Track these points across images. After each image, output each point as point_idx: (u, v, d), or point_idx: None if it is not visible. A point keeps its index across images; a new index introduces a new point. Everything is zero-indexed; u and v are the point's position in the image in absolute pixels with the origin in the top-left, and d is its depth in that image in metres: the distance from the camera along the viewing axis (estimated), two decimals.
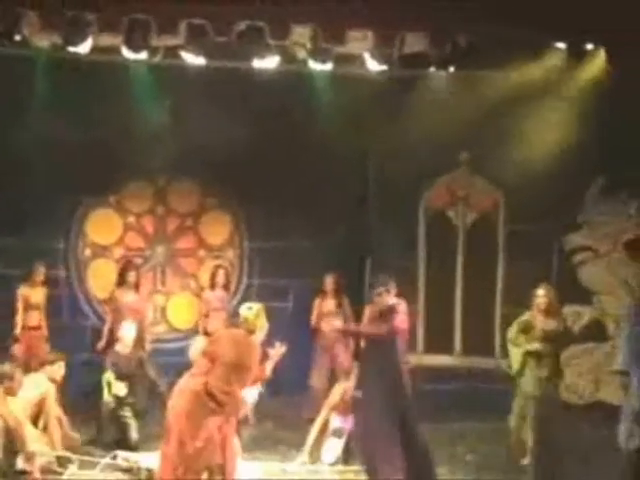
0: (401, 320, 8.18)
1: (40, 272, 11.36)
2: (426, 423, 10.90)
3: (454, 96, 11.40)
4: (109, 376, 9.89)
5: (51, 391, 8.91)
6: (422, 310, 12.75)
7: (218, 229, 13.09)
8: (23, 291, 11.25)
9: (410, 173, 12.14)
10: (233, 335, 7.35)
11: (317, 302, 11.78)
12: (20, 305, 11.20)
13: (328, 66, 10.44)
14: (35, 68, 11.03)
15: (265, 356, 7.43)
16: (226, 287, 11.79)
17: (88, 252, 12.81)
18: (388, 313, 7.84)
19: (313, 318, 11.75)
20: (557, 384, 9.50)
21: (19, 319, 11.14)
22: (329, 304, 11.79)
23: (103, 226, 12.85)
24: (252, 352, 7.13)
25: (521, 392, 9.43)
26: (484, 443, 10.36)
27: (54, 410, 8.87)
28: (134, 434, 9.65)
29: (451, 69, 10.86)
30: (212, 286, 11.71)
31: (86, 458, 8.89)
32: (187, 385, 7.08)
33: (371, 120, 11.66)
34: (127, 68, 10.94)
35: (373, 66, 10.50)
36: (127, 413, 9.79)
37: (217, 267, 11.97)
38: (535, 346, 9.20)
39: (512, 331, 9.46)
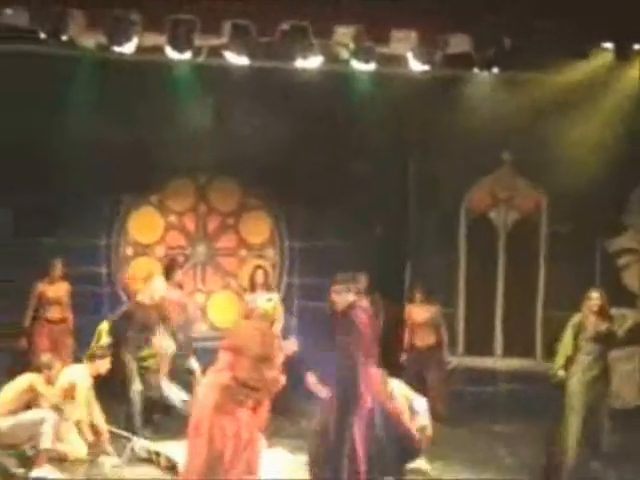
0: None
1: (58, 268, 11.48)
2: (466, 425, 11.02)
3: (497, 97, 11.33)
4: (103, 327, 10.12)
5: (85, 384, 9.10)
6: (462, 312, 12.71)
7: (259, 228, 13.13)
8: (39, 287, 11.38)
9: (452, 174, 12.13)
10: (255, 327, 7.34)
11: None
12: (33, 300, 11.37)
13: (371, 66, 10.41)
14: (80, 68, 11.10)
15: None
16: (266, 287, 11.77)
17: (130, 250, 12.90)
18: (348, 310, 7.72)
19: None
20: (606, 387, 9.46)
21: (29, 313, 11.34)
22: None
23: (145, 225, 12.93)
24: (274, 342, 7.19)
25: (569, 395, 9.36)
26: (524, 445, 10.30)
27: (85, 402, 9.06)
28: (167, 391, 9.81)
29: (495, 70, 10.80)
30: (252, 287, 11.69)
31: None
32: (215, 380, 7.06)
33: (413, 120, 11.65)
34: (171, 68, 10.98)
35: (416, 66, 10.45)
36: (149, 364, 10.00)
37: (256, 268, 11.95)
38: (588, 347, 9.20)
39: (567, 334, 9.44)
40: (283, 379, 7.26)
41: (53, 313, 11.42)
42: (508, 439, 10.69)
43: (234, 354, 7.06)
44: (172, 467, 8.61)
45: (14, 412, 8.63)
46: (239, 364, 6.98)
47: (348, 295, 7.70)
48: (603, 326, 9.33)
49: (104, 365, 9.37)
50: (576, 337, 9.36)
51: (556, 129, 11.37)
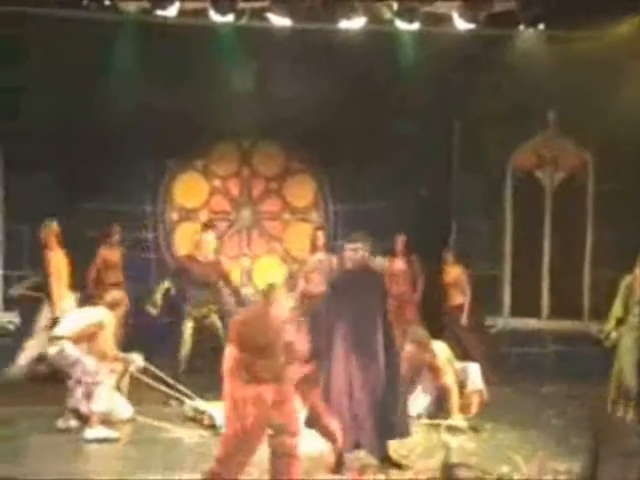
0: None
1: (116, 232, 11.70)
2: (513, 386, 11.00)
3: (542, 56, 11.24)
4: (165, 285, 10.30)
5: (111, 322, 9.09)
6: (509, 273, 12.66)
7: (302, 192, 13.12)
8: (102, 251, 11.61)
9: (497, 134, 12.04)
10: (244, 319, 7.06)
11: (387, 263, 11.73)
12: (98, 264, 11.58)
13: (415, 25, 10.35)
14: (122, 33, 11.11)
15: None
16: (326, 248, 11.71)
17: (175, 216, 12.96)
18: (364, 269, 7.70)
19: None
20: None
21: (93, 276, 11.54)
22: (399, 264, 11.79)
23: (190, 190, 12.97)
24: (268, 329, 6.75)
25: (620, 355, 9.42)
26: (571, 406, 10.27)
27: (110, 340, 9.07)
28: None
29: (540, 27, 10.68)
30: (313, 250, 11.66)
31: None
32: (228, 354, 6.95)
33: (457, 80, 11.54)
34: (213, 31, 10.97)
35: (461, 25, 10.39)
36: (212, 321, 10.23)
37: (316, 229, 11.96)
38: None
39: (619, 296, 9.39)
40: (294, 369, 6.88)
41: (111, 276, 11.57)
42: (554, 400, 10.65)
43: (234, 346, 6.89)
44: (212, 426, 8.70)
45: (76, 342, 8.78)
46: (240, 357, 6.82)
47: (363, 253, 7.66)
48: None
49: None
50: (627, 299, 9.28)
51: (602, 87, 11.22)
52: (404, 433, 7.82)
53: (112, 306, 9.10)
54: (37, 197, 11.52)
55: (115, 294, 9.45)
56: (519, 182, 12.69)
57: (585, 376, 11.21)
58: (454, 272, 11.83)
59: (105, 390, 8.77)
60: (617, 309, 9.42)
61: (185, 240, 12.79)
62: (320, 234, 11.75)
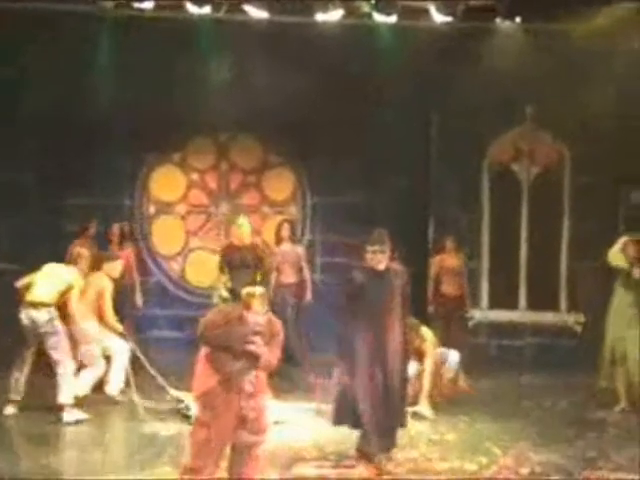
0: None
1: (93, 227, 11.67)
2: (491, 378, 11.01)
3: (520, 49, 11.23)
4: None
5: (109, 286, 9.53)
6: (486, 265, 12.66)
7: (281, 185, 13.08)
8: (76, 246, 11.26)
9: (474, 127, 12.02)
10: (216, 319, 7.05)
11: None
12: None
13: (392, 19, 10.32)
14: (100, 27, 11.04)
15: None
16: (292, 240, 11.76)
17: (152, 209, 12.90)
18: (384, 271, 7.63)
19: None
20: None
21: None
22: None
23: (167, 183, 12.92)
24: (238, 330, 6.67)
25: (611, 336, 9.51)
26: (549, 398, 10.29)
27: (109, 303, 9.49)
28: None
29: (517, 20, 10.67)
30: (278, 241, 11.71)
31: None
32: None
33: (435, 73, 11.51)
34: (191, 24, 10.90)
35: (438, 18, 10.37)
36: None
37: (282, 221, 11.95)
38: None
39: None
40: (252, 373, 6.76)
41: None
42: (532, 391, 10.66)
43: (204, 344, 6.87)
44: (186, 417, 8.68)
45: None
46: (210, 353, 6.80)
47: (384, 256, 7.56)
48: None
49: (117, 268, 9.81)
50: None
51: (579, 80, 11.22)
52: (404, 423, 7.78)
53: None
54: (16, 192, 11.45)
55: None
56: (496, 175, 12.68)
57: (563, 367, 11.25)
58: (454, 261, 11.77)
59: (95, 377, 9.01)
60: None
61: (162, 233, 12.76)
62: (286, 225, 11.72)
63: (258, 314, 6.72)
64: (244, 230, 10.91)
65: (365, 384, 7.44)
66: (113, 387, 9.62)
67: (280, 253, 11.48)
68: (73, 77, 11.15)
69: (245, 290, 6.95)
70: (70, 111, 11.38)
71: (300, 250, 11.61)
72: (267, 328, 6.77)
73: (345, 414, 7.56)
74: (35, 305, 8.97)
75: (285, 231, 11.60)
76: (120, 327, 9.57)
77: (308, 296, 11.32)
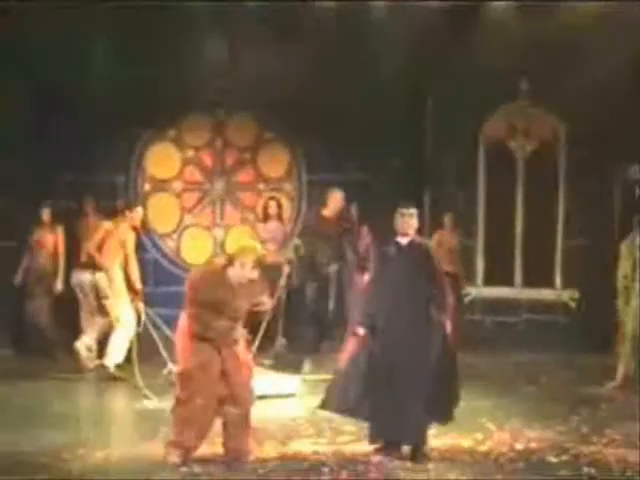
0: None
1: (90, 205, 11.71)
2: (486, 354, 11.00)
3: (513, 26, 11.17)
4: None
5: (131, 236, 10.05)
6: (482, 242, 12.63)
7: (276, 162, 13.02)
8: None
9: (469, 104, 11.94)
10: (201, 273, 7.01)
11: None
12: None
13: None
14: (97, 7, 10.93)
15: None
16: (280, 218, 11.72)
17: (147, 186, 12.83)
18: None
19: None
20: None
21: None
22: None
23: (162, 160, 12.86)
24: (223, 287, 6.71)
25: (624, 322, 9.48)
26: (544, 374, 10.28)
27: (133, 252, 10.04)
28: None
29: None
30: (265, 218, 11.68)
31: None
32: (181, 316, 6.94)
33: (430, 52, 11.44)
34: (187, 3, 10.83)
35: None
36: None
37: (269, 199, 11.93)
38: None
39: (624, 253, 9.43)
40: (238, 331, 6.83)
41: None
42: (527, 368, 10.66)
43: (187, 301, 6.86)
44: None
45: None
46: (191, 311, 6.79)
47: (415, 222, 7.25)
48: None
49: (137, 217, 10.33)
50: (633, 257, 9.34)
51: (573, 57, 11.15)
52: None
53: None
54: (12, 169, 11.39)
55: None
56: (491, 152, 12.64)
57: (558, 344, 11.25)
58: (451, 238, 11.76)
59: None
60: (625, 264, 9.44)
61: (157, 211, 12.70)
62: (272, 203, 11.75)
63: (242, 270, 6.71)
64: (338, 202, 10.82)
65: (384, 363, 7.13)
66: (111, 360, 9.72)
67: (266, 231, 11.47)
68: (69, 56, 11.05)
69: (239, 246, 6.98)
70: (66, 89, 11.30)
71: (287, 229, 11.64)
72: (249, 285, 6.78)
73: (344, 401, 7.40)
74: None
75: (272, 209, 11.61)
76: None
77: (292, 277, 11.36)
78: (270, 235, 11.52)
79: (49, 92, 11.37)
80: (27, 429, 7.69)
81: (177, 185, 12.86)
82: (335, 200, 10.86)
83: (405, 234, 7.25)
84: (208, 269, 7.20)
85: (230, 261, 6.77)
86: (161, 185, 12.85)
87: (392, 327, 7.14)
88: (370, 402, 7.15)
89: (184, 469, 6.65)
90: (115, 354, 9.78)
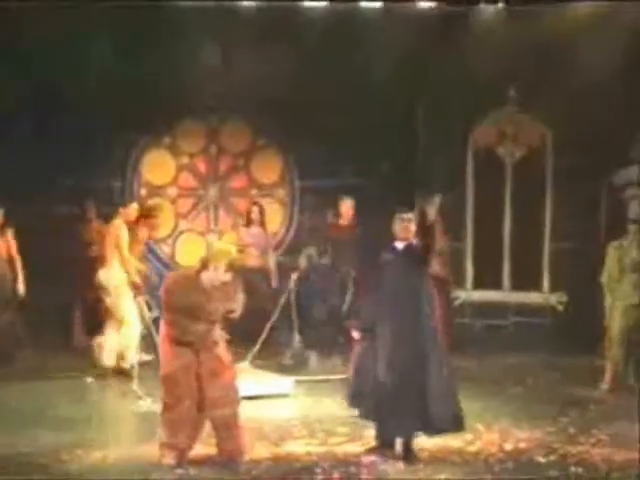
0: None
1: (92, 210, 11.78)
2: (475, 357, 11.02)
3: (502, 32, 11.20)
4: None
5: (124, 231, 10.15)
6: (470, 247, 12.65)
7: (269, 169, 13.04)
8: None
9: (459, 110, 11.98)
10: (174, 279, 7.00)
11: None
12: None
13: (378, 3, 10.27)
14: (93, 13, 10.92)
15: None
16: (262, 224, 11.79)
17: (143, 191, 12.84)
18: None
19: None
20: None
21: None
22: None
23: (157, 167, 12.87)
24: (196, 291, 6.72)
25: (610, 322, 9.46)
26: (532, 376, 10.30)
27: (126, 247, 10.13)
28: None
29: (500, 4, 10.64)
30: (248, 223, 11.75)
31: None
32: (161, 324, 6.96)
33: (420, 57, 11.45)
34: (181, 8, 10.84)
35: (422, 3, 10.32)
36: None
37: (252, 204, 12.01)
38: None
39: (610, 257, 9.45)
40: (216, 333, 6.85)
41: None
42: (515, 369, 10.68)
43: (164, 307, 6.88)
44: None
45: None
46: (167, 316, 6.81)
47: (413, 226, 7.31)
48: None
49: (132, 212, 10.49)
50: (620, 260, 9.35)
51: (560, 63, 11.19)
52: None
53: None
54: (10, 174, 11.38)
55: None
56: (480, 158, 12.67)
57: (546, 346, 11.27)
58: (444, 240, 11.77)
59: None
60: (611, 268, 9.47)
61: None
62: (255, 209, 11.81)
63: (216, 273, 6.72)
64: (349, 211, 11.44)
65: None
66: (109, 357, 9.85)
67: (248, 236, 11.49)
68: (66, 62, 11.04)
69: (210, 248, 6.99)
70: (64, 95, 11.31)
71: (269, 236, 11.75)
72: (223, 287, 6.79)
73: (360, 398, 7.39)
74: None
75: (254, 214, 11.68)
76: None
77: (274, 283, 11.51)
78: (252, 240, 11.62)
79: (47, 98, 11.36)
80: (25, 430, 7.71)
81: (172, 191, 12.87)
82: (347, 208, 11.39)
83: (404, 238, 7.30)
84: (181, 274, 7.19)
85: (204, 265, 6.78)
86: (156, 191, 12.86)
87: (391, 330, 7.19)
88: (375, 401, 7.20)
89: (179, 470, 6.68)
90: (128, 354, 9.85)
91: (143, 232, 10.92)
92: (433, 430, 7.17)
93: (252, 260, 11.45)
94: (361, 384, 7.28)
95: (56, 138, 11.55)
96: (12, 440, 7.38)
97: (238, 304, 6.98)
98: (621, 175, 11.83)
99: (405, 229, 7.27)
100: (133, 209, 10.52)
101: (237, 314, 7.01)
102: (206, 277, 6.72)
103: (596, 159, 11.57)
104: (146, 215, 10.94)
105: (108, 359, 9.97)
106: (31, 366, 10.27)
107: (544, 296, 12.42)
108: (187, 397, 6.72)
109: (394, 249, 7.35)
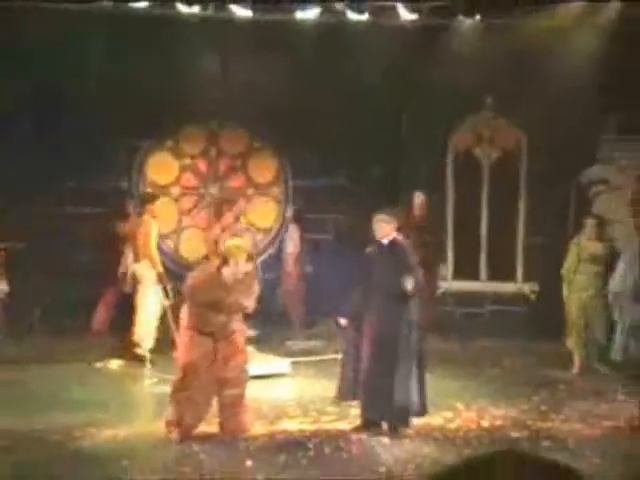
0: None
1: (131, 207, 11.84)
2: (455, 341, 11.11)
3: (479, 44, 11.23)
4: None
5: (154, 226, 10.46)
6: (451, 240, 12.72)
7: (265, 169, 13.07)
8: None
9: (439, 116, 12.03)
10: (199, 277, 7.08)
11: None
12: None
13: (364, 16, 10.32)
14: (99, 23, 10.95)
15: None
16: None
17: (149, 191, 12.85)
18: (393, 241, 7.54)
19: None
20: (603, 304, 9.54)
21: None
22: None
23: (161, 168, 12.88)
24: (219, 287, 6.83)
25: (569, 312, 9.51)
26: (508, 358, 10.39)
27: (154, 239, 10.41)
28: None
29: (477, 17, 10.69)
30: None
31: None
32: (184, 311, 7.02)
33: (404, 67, 11.51)
34: (181, 21, 10.87)
35: (405, 15, 10.38)
36: None
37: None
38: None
39: (572, 252, 9.48)
40: (235, 324, 6.99)
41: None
42: (492, 353, 10.76)
43: (187, 299, 6.95)
44: None
45: None
46: (191, 309, 6.88)
47: (388, 227, 7.43)
48: (597, 249, 9.36)
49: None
50: (579, 255, 9.40)
51: (533, 72, 11.24)
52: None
53: None
54: (22, 176, 11.41)
55: None
56: (460, 159, 12.72)
57: (519, 331, 11.34)
58: (430, 235, 11.85)
59: None
60: (571, 263, 9.50)
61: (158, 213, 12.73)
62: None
63: (237, 267, 6.81)
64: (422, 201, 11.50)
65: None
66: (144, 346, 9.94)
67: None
68: (75, 71, 11.05)
69: (233, 245, 7.08)
70: (74, 103, 11.32)
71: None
72: (245, 279, 6.88)
73: (348, 390, 7.48)
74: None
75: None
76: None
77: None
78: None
79: (63, 109, 11.39)
80: (42, 411, 7.77)
81: (175, 190, 12.90)
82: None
83: (380, 236, 7.43)
84: (204, 272, 7.25)
85: (224, 261, 6.86)
86: (161, 190, 12.88)
87: (373, 318, 7.28)
88: (362, 384, 7.29)
89: (183, 446, 6.76)
90: (148, 340, 9.96)
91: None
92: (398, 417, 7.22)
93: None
94: (347, 371, 7.40)
95: (68, 144, 11.57)
96: (28, 420, 7.45)
97: (253, 297, 7.07)
98: (586, 174, 11.92)
99: (378, 228, 7.44)
100: (158, 206, 10.75)
101: (251, 308, 7.10)
102: (228, 272, 6.82)
103: (566, 161, 11.65)
104: (146, 201, 10.97)
105: (138, 343, 10.04)
106: (47, 351, 10.33)
107: (518, 286, 12.48)
108: (201, 379, 6.78)
109: (380, 244, 7.45)
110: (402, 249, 7.48)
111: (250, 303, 7.05)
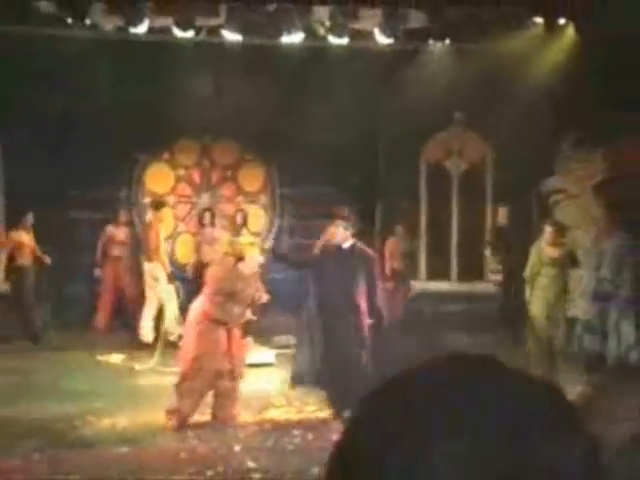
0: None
1: (123, 215, 11.91)
2: (428, 337, 11.10)
3: (449, 65, 11.29)
4: None
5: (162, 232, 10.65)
6: (424, 244, 12.77)
7: (254, 179, 13.09)
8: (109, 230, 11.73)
9: (412, 131, 12.06)
10: (222, 266, 7.12)
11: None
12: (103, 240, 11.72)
13: (344, 40, 10.34)
14: (101, 47, 10.93)
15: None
16: (212, 225, 11.93)
17: (147, 199, 12.86)
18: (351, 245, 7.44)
19: None
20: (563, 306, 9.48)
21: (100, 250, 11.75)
22: None
23: (158, 178, 12.90)
24: (239, 278, 6.88)
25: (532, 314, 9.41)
26: (477, 352, 10.35)
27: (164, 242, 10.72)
28: None
29: (447, 41, 10.73)
30: (203, 225, 11.98)
31: None
32: (198, 304, 7.02)
33: (380, 86, 11.54)
34: (177, 45, 10.88)
35: (382, 40, 10.41)
36: None
37: (204, 210, 12.18)
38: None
39: (533, 255, 9.45)
40: (248, 314, 7.02)
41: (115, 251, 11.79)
42: (464, 347, 10.69)
43: (208, 286, 6.97)
44: None
45: None
46: (210, 298, 6.88)
47: (345, 233, 7.36)
48: (556, 253, 9.36)
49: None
50: (540, 259, 9.38)
51: (498, 91, 11.28)
52: None
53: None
54: (32, 185, 11.40)
55: None
56: (431, 170, 12.78)
57: (486, 326, 11.37)
58: (403, 243, 11.88)
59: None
60: (533, 265, 9.48)
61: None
62: (207, 214, 12.00)
63: (252, 261, 6.93)
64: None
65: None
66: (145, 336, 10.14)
67: (203, 235, 11.78)
68: (82, 91, 11.03)
69: (243, 243, 7.17)
70: (76, 118, 11.31)
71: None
72: (256, 275, 6.99)
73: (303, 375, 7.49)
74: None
75: (206, 219, 11.91)
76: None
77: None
78: (206, 239, 11.70)
79: (65, 123, 11.39)
80: (45, 400, 7.73)
81: (171, 199, 12.89)
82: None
83: (338, 240, 7.37)
84: (225, 266, 7.27)
85: (239, 258, 6.96)
86: (158, 198, 12.83)
87: (328, 310, 7.25)
88: (323, 373, 7.30)
89: (180, 433, 6.75)
90: (145, 331, 10.12)
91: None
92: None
93: (205, 256, 11.22)
94: (303, 363, 7.40)
95: (74, 156, 11.56)
96: (30, 408, 7.41)
97: (263, 290, 7.16)
98: (546, 184, 11.97)
99: (333, 233, 7.40)
100: (166, 212, 10.90)
101: (264, 299, 7.17)
102: (244, 267, 6.90)
103: (528, 172, 11.70)
104: (155, 208, 11.10)
105: (146, 337, 10.11)
106: (53, 345, 10.29)
107: (486, 286, 12.53)
108: (205, 370, 6.76)
109: (339, 247, 7.42)
110: (361, 255, 7.39)
111: (263, 295, 7.13)
